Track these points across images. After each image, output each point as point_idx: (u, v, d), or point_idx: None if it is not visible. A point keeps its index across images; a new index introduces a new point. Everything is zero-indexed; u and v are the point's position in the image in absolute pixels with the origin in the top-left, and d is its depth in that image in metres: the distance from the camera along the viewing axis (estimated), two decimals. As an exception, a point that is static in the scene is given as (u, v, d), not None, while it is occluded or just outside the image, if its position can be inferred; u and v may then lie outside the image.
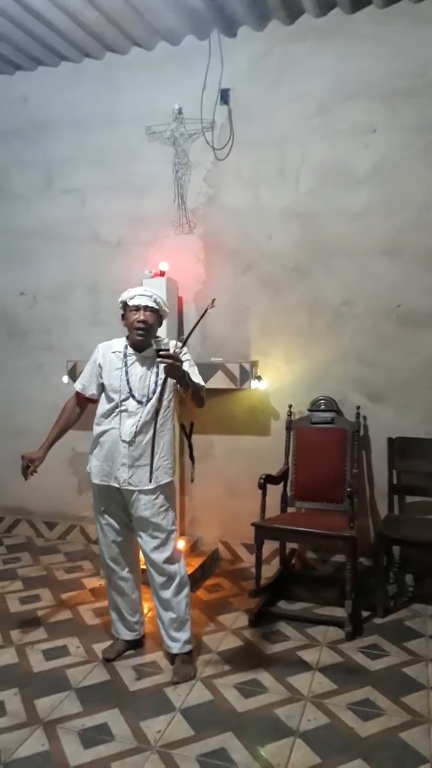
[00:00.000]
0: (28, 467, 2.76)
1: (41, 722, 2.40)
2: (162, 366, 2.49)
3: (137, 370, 2.68)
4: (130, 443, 2.63)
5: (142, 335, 2.64)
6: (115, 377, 2.68)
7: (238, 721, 2.41)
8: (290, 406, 3.80)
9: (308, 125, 3.78)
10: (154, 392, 2.63)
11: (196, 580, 3.57)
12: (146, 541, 2.70)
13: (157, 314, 2.69)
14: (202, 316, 2.63)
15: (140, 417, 2.63)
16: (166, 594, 2.70)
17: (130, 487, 2.65)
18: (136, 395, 2.64)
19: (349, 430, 3.65)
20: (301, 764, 2.17)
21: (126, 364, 2.68)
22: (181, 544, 3.41)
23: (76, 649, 2.95)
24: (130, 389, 2.65)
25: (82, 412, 2.87)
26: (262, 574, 3.29)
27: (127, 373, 2.67)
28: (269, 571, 3.64)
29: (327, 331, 3.83)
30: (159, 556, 2.68)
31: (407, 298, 3.64)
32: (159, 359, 2.43)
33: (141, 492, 2.66)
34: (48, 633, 3.11)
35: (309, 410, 3.79)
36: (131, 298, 2.65)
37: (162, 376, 2.55)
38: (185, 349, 2.60)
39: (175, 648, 2.75)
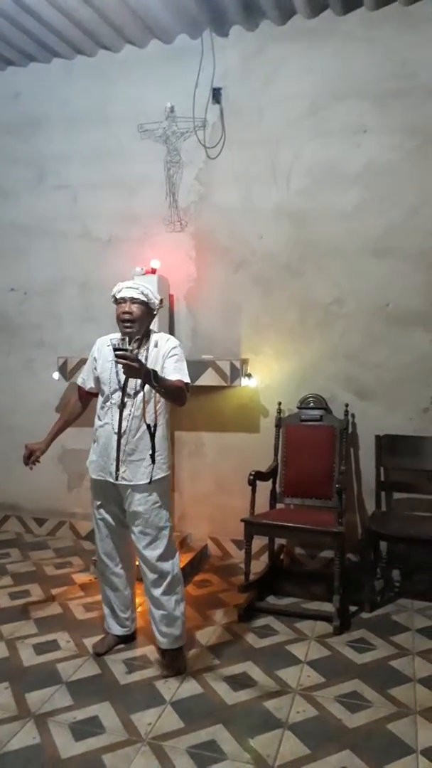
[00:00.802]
0: (30, 456, 2.79)
1: (32, 715, 2.42)
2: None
3: None
4: (121, 437, 2.64)
5: (129, 327, 2.62)
6: (106, 369, 2.70)
7: (227, 713, 2.43)
8: (280, 404, 3.83)
9: (300, 125, 3.80)
10: (142, 386, 2.62)
11: (185, 575, 3.55)
12: (138, 537, 2.71)
13: (146, 307, 2.65)
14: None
15: (131, 411, 2.65)
16: (157, 591, 2.71)
17: (124, 482, 2.66)
18: (126, 388, 2.65)
19: (338, 427, 3.68)
20: (290, 755, 2.20)
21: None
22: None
23: (66, 644, 2.97)
24: (119, 381, 2.66)
25: (85, 407, 2.90)
26: (251, 569, 3.32)
27: (117, 365, 2.65)
28: (258, 566, 3.66)
29: (317, 330, 3.86)
30: (151, 553, 2.69)
31: (396, 297, 3.69)
32: (116, 360, 2.38)
33: (135, 487, 2.67)
34: (38, 628, 3.12)
35: (298, 408, 3.82)
36: (119, 291, 2.66)
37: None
38: (171, 345, 2.63)
39: (165, 644, 2.76)
